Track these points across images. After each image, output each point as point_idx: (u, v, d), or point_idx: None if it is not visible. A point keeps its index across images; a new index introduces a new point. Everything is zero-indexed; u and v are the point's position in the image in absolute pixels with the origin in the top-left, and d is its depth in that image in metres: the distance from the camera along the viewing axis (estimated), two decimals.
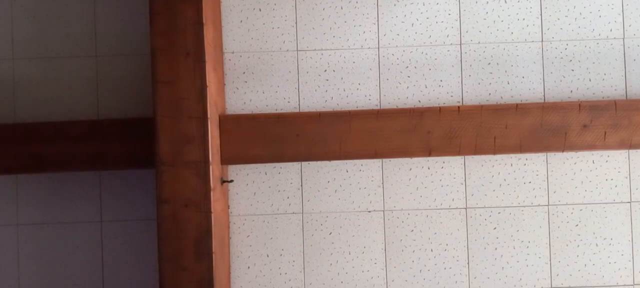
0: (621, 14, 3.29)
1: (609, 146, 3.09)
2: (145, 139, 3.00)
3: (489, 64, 3.27)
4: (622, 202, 3.27)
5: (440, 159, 3.27)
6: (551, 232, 3.27)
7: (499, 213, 3.26)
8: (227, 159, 3.07)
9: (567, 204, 3.27)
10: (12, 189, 3.26)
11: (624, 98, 3.25)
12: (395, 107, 3.25)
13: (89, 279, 3.25)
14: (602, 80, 3.26)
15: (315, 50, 3.28)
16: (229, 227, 3.26)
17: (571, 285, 3.27)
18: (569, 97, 3.26)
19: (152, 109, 2.92)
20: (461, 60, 3.27)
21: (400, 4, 3.29)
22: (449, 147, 3.08)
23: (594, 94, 3.26)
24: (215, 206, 2.89)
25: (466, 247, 3.27)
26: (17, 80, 3.26)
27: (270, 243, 3.27)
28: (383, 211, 3.27)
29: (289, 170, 3.28)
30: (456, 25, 3.28)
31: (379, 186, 3.27)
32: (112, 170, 3.21)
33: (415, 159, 3.27)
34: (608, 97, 3.26)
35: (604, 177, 3.27)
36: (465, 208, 3.27)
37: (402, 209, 3.27)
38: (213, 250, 2.84)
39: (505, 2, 3.29)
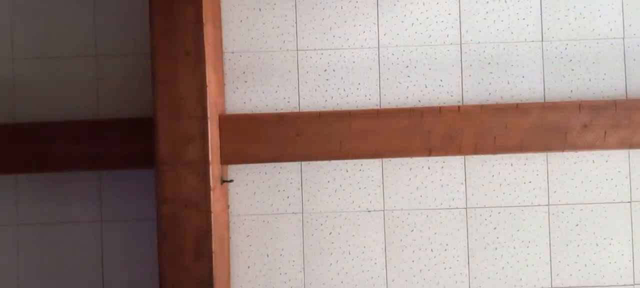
0: (621, 14, 3.28)
1: (609, 146, 3.08)
2: (145, 138, 2.99)
3: (489, 63, 3.27)
4: (622, 202, 3.26)
5: (440, 159, 3.27)
6: (551, 232, 3.27)
7: (499, 213, 3.26)
8: (227, 159, 3.07)
9: (567, 204, 3.26)
10: (12, 189, 3.26)
11: (624, 98, 3.25)
12: (395, 106, 3.25)
13: (89, 279, 3.25)
14: (602, 80, 3.26)
15: (315, 50, 3.27)
16: (228, 227, 3.26)
17: (571, 285, 3.27)
18: (569, 97, 3.26)
19: (152, 109, 2.92)
20: (461, 60, 3.27)
21: (400, 3, 3.29)
22: (449, 146, 3.07)
23: (594, 93, 3.26)
24: (215, 206, 2.88)
25: (466, 246, 3.27)
26: (17, 80, 3.26)
27: (270, 243, 3.27)
28: (383, 211, 3.27)
29: (289, 170, 3.28)
30: (456, 24, 3.28)
31: (379, 186, 3.27)
32: (112, 170, 3.21)
33: (415, 159, 3.26)
34: (608, 96, 3.26)
35: (604, 177, 3.27)
36: (466, 208, 3.26)
37: (402, 209, 3.27)
38: (213, 250, 2.84)
39: (506, 1, 3.29)
